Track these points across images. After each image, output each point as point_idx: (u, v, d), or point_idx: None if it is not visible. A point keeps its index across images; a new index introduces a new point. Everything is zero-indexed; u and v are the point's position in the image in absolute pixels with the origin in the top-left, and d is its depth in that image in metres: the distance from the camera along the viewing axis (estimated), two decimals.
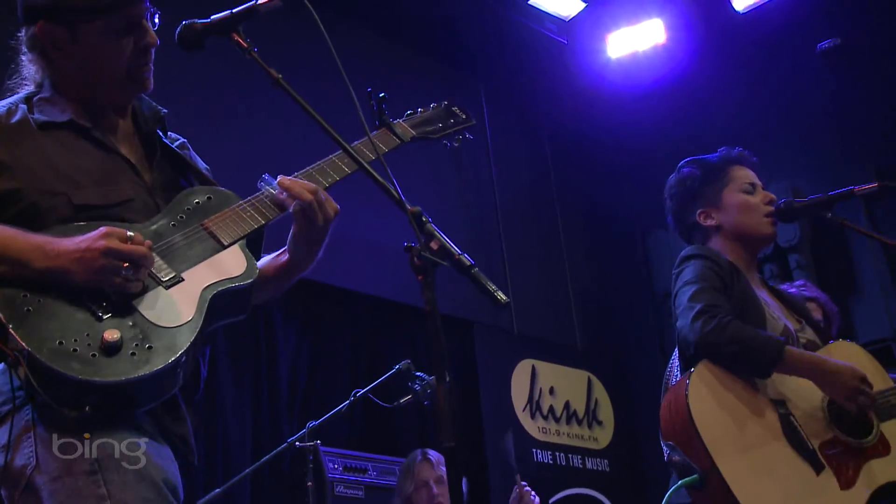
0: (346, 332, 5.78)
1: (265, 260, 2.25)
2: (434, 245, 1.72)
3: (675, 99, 6.91)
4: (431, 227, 1.74)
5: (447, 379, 1.59)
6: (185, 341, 1.82)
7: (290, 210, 2.10)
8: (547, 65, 7.00)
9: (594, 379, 6.94)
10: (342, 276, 5.54)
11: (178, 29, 2.04)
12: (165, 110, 2.25)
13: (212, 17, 2.01)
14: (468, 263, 1.70)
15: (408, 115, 2.53)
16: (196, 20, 2.03)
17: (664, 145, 6.77)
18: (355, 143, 2.20)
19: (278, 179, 2.13)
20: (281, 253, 2.24)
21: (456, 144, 2.58)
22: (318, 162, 2.25)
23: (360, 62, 5.98)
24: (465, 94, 7.15)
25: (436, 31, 6.70)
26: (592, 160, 7.58)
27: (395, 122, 2.43)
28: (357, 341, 5.80)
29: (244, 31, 2.00)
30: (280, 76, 1.94)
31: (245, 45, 1.97)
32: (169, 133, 2.25)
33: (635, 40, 6.83)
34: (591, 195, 7.66)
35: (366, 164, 1.91)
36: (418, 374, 3.83)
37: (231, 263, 2.00)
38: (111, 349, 1.74)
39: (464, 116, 2.62)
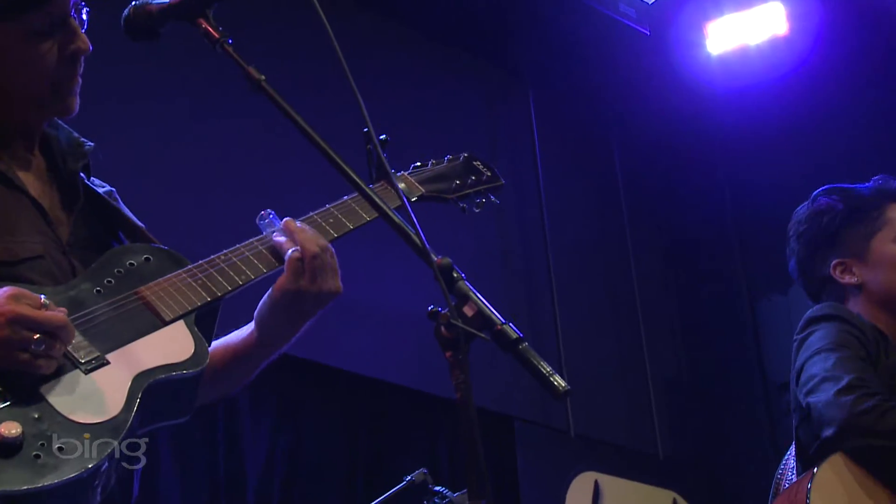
0: (339, 429, 5.77)
1: (219, 343, 2.30)
2: (469, 310, 1.74)
3: (798, 108, 6.92)
4: (465, 285, 1.77)
5: (486, 498, 1.59)
6: (106, 445, 1.85)
7: (286, 257, 2.18)
8: (621, 63, 7.05)
9: (682, 502, 6.87)
10: (334, 351, 5.56)
11: (127, 11, 2.10)
12: (91, 143, 2.30)
13: None
14: (514, 336, 1.72)
15: (415, 167, 2.64)
16: (149, 0, 2.09)
17: (783, 172, 6.77)
18: (344, 198, 2.34)
19: (284, 221, 2.23)
20: (244, 332, 2.31)
21: (476, 210, 2.68)
22: (327, 206, 2.35)
23: (377, 57, 6.07)
24: (509, 100, 7.22)
25: (470, 19, 6.79)
26: (681, 194, 7.59)
27: (398, 174, 2.55)
28: (354, 442, 5.79)
29: (215, 16, 2.05)
30: (263, 77, 1.98)
31: (216, 34, 2.02)
32: (92, 178, 2.30)
33: (745, 31, 6.87)
34: (678, 242, 7.66)
35: (389, 210, 1.93)
36: (438, 488, 3.83)
37: (174, 345, 2.04)
38: (8, 448, 1.77)
39: (488, 174, 2.72)
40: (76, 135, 2.30)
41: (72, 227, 2.17)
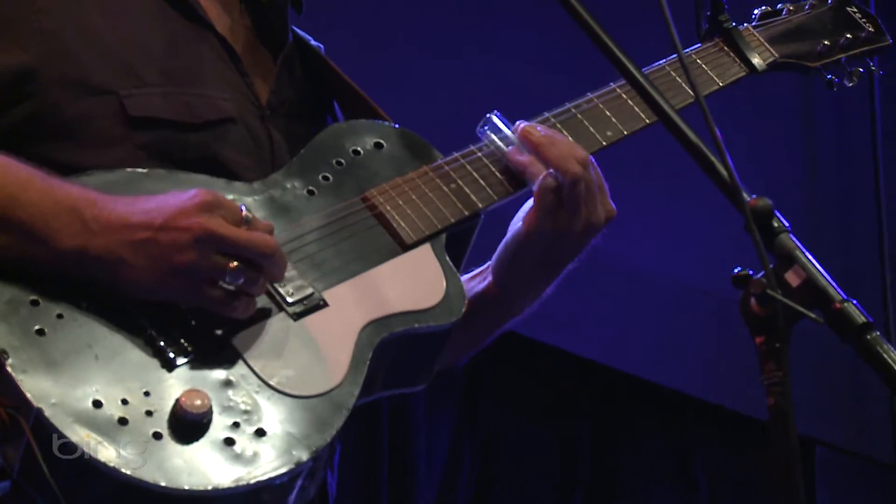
0: (551, 429, 5.83)
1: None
2: (794, 277, 1.71)
3: None
4: (791, 240, 1.74)
5: None
6: (326, 427, 1.88)
7: (533, 187, 2.15)
8: None
9: None
10: (546, 323, 5.54)
11: None
12: None
13: None
14: (861, 320, 1.68)
15: (762, 16, 2.56)
16: None
17: None
18: (649, 68, 2.29)
19: (519, 126, 2.19)
20: (476, 281, 2.32)
21: (849, 84, 2.60)
22: (588, 95, 2.31)
23: None
24: None
25: None
26: None
27: (740, 28, 2.47)
28: (572, 448, 5.85)
29: None
30: None
31: None
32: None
33: None
34: None
35: (680, 120, 1.88)
36: None
37: (418, 283, 2.05)
38: (191, 427, 1.81)
39: (870, 28, 2.62)
40: None
41: (274, 84, 2.20)
